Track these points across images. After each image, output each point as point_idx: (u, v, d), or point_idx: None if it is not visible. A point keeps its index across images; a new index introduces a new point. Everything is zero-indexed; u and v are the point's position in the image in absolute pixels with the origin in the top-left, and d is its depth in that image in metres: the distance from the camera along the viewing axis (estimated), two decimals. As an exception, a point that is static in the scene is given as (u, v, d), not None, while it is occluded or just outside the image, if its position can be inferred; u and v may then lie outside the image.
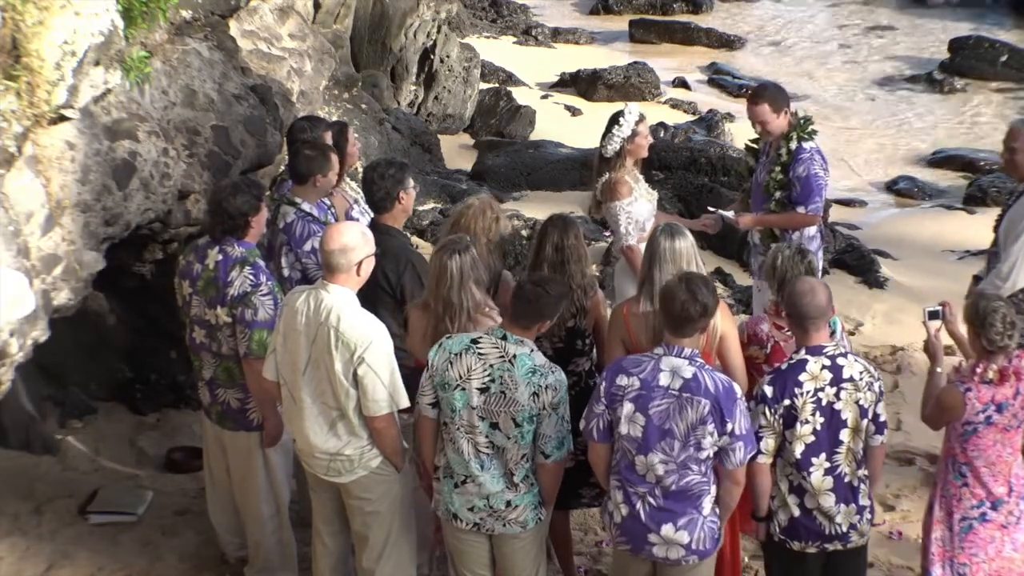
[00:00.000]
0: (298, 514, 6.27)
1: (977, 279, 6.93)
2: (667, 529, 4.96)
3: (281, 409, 5.63)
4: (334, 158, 6.55)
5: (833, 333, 5.60)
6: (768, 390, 5.11)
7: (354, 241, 5.25)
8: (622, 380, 4.92)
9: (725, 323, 5.56)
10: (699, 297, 4.88)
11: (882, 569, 6.54)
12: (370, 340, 5.16)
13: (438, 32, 14.42)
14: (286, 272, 6.42)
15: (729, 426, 4.86)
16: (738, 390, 4.96)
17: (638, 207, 7.06)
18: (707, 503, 4.99)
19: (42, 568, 6.18)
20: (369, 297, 5.93)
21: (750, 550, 6.18)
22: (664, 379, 4.89)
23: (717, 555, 5.56)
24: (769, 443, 5.14)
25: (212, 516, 6.35)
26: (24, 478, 6.84)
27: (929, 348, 5.59)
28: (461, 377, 5.05)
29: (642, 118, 7.14)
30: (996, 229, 6.87)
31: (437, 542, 5.94)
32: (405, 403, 5.24)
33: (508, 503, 5.13)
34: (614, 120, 7.10)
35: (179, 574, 6.28)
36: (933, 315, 5.64)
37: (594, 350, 5.89)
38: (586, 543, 6.52)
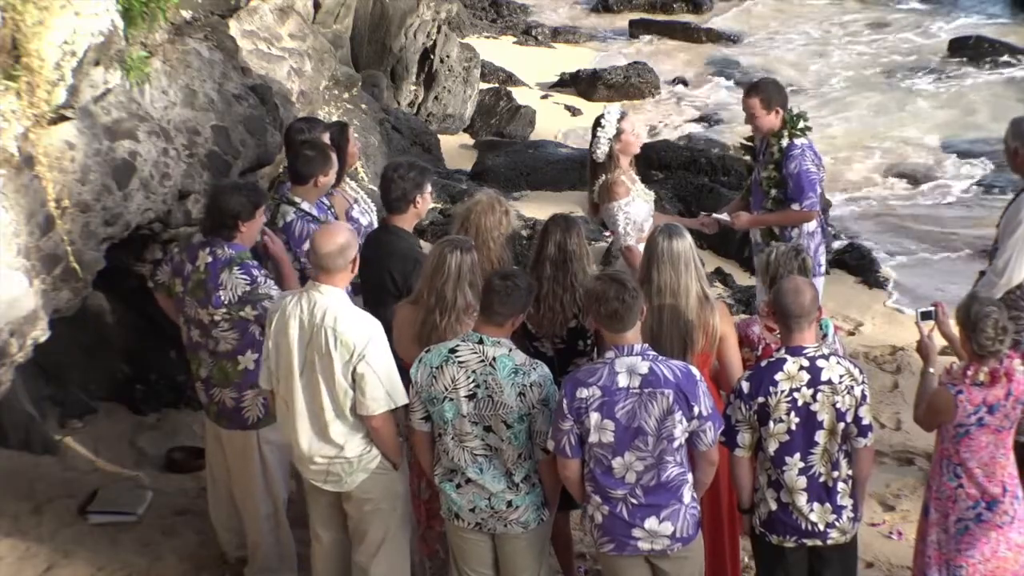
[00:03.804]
0: (297, 513, 6.26)
1: (983, 275, 6.92)
2: (651, 522, 4.97)
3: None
4: (333, 157, 6.55)
5: (825, 336, 5.60)
6: (744, 386, 5.14)
7: (347, 239, 5.25)
8: (582, 392, 4.91)
9: (724, 324, 5.57)
10: (626, 284, 4.91)
11: (882, 569, 6.54)
12: (368, 338, 5.16)
13: (438, 32, 14.41)
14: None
15: (696, 409, 4.88)
16: (696, 372, 4.98)
17: (635, 207, 7.04)
18: (687, 492, 5.01)
19: (42, 568, 6.18)
20: (374, 297, 5.91)
21: (750, 550, 6.18)
22: (623, 380, 4.89)
23: (717, 555, 5.56)
24: (745, 437, 5.17)
25: (212, 514, 6.36)
26: (24, 478, 6.84)
27: (921, 349, 5.59)
28: (447, 389, 5.05)
29: (623, 116, 7.09)
30: (999, 225, 6.87)
31: (425, 551, 5.93)
32: (403, 400, 5.23)
33: (509, 503, 5.13)
34: (596, 124, 7.09)
35: (179, 574, 6.29)
36: (925, 316, 5.64)
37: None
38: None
